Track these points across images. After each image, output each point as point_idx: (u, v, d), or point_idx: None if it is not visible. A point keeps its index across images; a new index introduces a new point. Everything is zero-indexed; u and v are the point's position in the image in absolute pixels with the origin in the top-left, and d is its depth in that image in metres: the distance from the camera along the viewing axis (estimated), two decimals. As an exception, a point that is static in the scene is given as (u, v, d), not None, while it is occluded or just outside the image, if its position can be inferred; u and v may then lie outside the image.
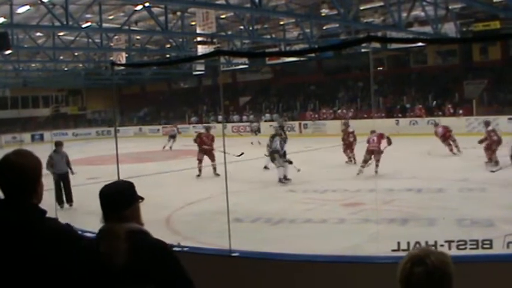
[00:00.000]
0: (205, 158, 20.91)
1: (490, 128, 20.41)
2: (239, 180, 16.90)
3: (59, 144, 16.19)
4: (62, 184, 15.55)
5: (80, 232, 3.52)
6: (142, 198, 3.20)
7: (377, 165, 19.06)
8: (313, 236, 10.91)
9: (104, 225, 3.04)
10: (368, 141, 19.79)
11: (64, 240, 2.89)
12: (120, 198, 3.06)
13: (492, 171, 16.84)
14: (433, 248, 2.51)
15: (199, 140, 21.41)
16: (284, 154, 19.52)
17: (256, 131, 34.10)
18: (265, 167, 21.41)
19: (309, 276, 5.40)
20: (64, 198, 15.54)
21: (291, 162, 19.26)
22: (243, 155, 20.87)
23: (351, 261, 5.75)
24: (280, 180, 18.60)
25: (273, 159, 19.58)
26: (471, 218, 11.65)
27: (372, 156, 19.30)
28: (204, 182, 18.53)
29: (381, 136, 19.83)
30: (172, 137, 36.33)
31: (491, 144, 19.61)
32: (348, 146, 22.52)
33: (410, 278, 2.37)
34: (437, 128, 24.64)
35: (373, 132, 20.37)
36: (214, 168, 20.35)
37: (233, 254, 5.57)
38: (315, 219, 12.43)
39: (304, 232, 11.35)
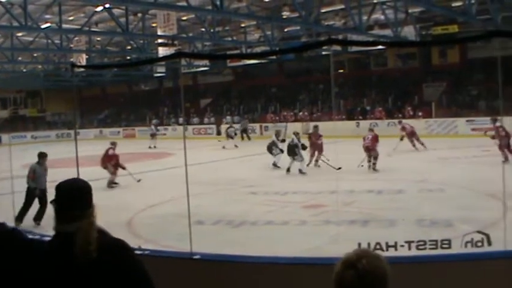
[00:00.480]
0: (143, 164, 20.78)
1: (497, 123, 20.65)
2: (201, 183, 16.87)
3: (43, 156, 14.28)
4: (38, 201, 13.58)
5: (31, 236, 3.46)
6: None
7: (374, 163, 19.99)
8: (275, 238, 10.92)
9: (56, 227, 2.90)
10: (364, 139, 20.72)
11: (8, 244, 2.84)
12: (83, 197, 2.96)
13: None
14: (371, 250, 2.54)
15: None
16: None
17: (234, 135, 34.01)
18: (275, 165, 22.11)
19: (271, 278, 5.41)
20: (34, 216, 13.40)
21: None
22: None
23: (312, 263, 5.78)
24: (300, 172, 20.18)
25: (293, 154, 20.67)
26: (430, 218, 11.80)
27: (369, 153, 20.23)
28: (167, 184, 18.44)
29: (375, 138, 20.66)
30: (153, 135, 37.99)
31: (500, 140, 19.77)
32: (317, 148, 22.36)
33: (342, 281, 2.40)
34: (404, 124, 25.38)
35: (370, 130, 21.44)
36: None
37: (194, 257, 5.55)
38: (276, 221, 12.45)
39: (266, 234, 11.36)
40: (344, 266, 2.42)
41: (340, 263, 2.45)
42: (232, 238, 10.96)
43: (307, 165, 21.21)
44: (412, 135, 26.05)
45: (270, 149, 22.72)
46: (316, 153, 22.25)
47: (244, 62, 44.02)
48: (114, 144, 20.24)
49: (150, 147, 36.49)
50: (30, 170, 13.89)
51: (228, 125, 39.14)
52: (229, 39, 37.50)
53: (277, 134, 23.98)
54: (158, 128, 41.48)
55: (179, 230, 8.37)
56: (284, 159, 21.55)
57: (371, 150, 20.23)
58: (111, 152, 19.78)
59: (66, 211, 2.88)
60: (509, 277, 5.25)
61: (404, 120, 29.87)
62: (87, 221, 2.86)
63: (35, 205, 13.42)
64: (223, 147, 33.05)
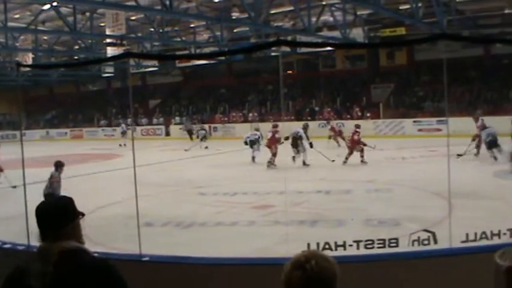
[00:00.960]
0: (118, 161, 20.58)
1: (478, 123, 21.16)
2: (150, 184, 16.74)
3: (62, 165, 13.66)
4: None
5: None
6: (82, 214, 3.04)
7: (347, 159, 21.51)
8: (224, 238, 10.90)
9: (40, 245, 2.86)
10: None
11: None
12: (57, 215, 2.88)
13: None
14: (321, 251, 2.56)
15: None
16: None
17: (203, 138, 33.69)
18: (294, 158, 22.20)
19: (220, 279, 5.40)
20: None
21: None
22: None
23: (261, 263, 5.79)
24: (304, 163, 21.38)
25: (296, 145, 21.73)
26: (378, 218, 11.94)
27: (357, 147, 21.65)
28: (115, 185, 18.25)
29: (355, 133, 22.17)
30: (123, 133, 37.94)
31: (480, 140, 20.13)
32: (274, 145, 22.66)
33: (289, 281, 2.42)
34: (333, 125, 26.59)
35: (357, 126, 22.91)
36: None
37: (143, 259, 5.51)
38: (225, 222, 12.42)
39: (215, 235, 11.33)
40: (292, 267, 2.43)
41: (289, 264, 2.46)
42: (181, 239, 10.89)
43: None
44: (339, 135, 27.06)
45: (295, 144, 22.15)
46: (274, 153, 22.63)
47: (193, 62, 43.87)
48: None
49: (120, 145, 35.75)
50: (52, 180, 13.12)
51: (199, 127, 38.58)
52: (179, 39, 37.33)
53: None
54: (128, 126, 40.77)
55: (128, 232, 8.28)
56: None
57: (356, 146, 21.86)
58: None
59: (45, 231, 2.87)
60: (455, 274, 5.34)
61: (352, 122, 30.22)
62: (46, 248, 2.81)
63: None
64: (206, 148, 32.80)
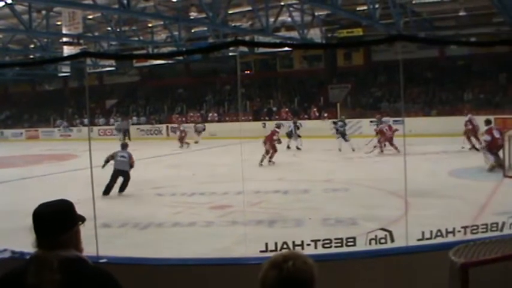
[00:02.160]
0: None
1: (466, 118, 21.52)
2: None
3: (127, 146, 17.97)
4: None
5: None
6: (83, 220, 2.90)
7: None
8: (182, 239, 10.85)
9: (35, 252, 2.72)
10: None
11: None
12: (55, 221, 2.72)
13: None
14: (301, 253, 2.57)
15: None
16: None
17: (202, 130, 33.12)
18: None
19: (179, 280, 5.38)
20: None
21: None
22: None
23: (219, 264, 5.79)
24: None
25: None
26: (336, 217, 12.03)
27: None
28: (71, 186, 18.02)
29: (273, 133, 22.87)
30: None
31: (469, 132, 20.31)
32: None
33: (265, 280, 2.42)
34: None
35: (277, 125, 23.92)
36: None
37: (101, 261, 5.45)
38: (183, 222, 12.37)
39: (173, 236, 11.26)
40: (269, 266, 2.43)
41: (267, 262, 2.46)
42: (139, 240, 10.82)
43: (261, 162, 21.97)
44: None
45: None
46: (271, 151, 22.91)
47: (150, 62, 43.65)
48: None
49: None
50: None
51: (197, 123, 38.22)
52: (136, 39, 37.08)
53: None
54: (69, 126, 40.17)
55: (85, 233, 8.19)
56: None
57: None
58: None
59: (41, 237, 2.77)
60: (412, 271, 5.41)
61: (309, 122, 30.43)
62: (44, 257, 2.67)
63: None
64: (196, 142, 32.65)
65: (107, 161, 16.65)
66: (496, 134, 18.18)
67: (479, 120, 22.11)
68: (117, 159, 16.76)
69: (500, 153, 17.40)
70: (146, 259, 6.04)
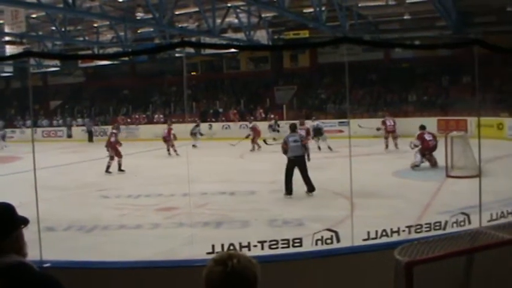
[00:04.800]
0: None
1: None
2: (51, 187, 16.30)
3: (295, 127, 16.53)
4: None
5: None
6: (25, 223, 2.76)
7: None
8: (128, 242, 10.75)
9: None
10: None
11: None
12: None
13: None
14: (246, 253, 2.58)
15: None
16: None
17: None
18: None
19: (125, 283, 5.33)
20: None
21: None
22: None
23: (166, 266, 5.76)
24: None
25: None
26: (282, 218, 12.10)
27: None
28: (14, 189, 17.67)
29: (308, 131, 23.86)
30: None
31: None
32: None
33: (210, 276, 2.44)
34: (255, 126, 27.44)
35: (115, 127, 24.32)
36: None
37: (45, 265, 5.36)
38: (129, 224, 12.26)
39: (119, 238, 11.15)
40: (214, 262, 2.46)
41: (212, 259, 2.48)
42: (84, 244, 10.67)
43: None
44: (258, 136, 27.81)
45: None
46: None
47: (96, 62, 43.06)
48: None
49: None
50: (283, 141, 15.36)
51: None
52: (81, 39, 36.50)
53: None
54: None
55: (28, 237, 8.04)
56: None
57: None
58: None
59: None
60: (358, 271, 5.46)
61: (256, 123, 30.53)
62: None
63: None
64: (194, 146, 32.20)
65: None
66: (427, 137, 19.12)
67: (423, 121, 22.57)
68: None
69: (438, 153, 17.94)
70: (91, 262, 5.97)
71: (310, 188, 14.69)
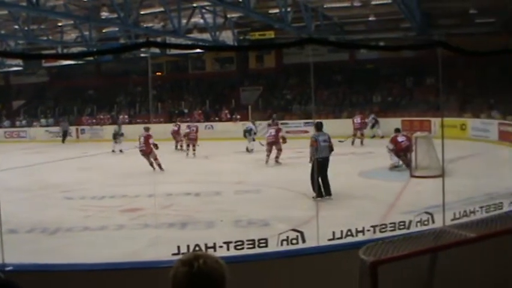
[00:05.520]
0: None
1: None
2: (13, 189, 16.07)
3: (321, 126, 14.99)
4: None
5: None
6: None
7: (279, 155, 22.58)
8: (93, 243, 10.66)
9: None
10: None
11: None
12: None
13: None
14: (213, 254, 2.57)
15: None
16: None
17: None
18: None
19: (90, 286, 5.27)
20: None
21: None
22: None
23: (131, 268, 5.71)
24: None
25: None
26: (247, 218, 12.11)
27: (273, 147, 22.46)
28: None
29: (279, 130, 23.45)
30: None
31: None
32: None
33: (176, 277, 2.43)
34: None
35: (271, 125, 24.89)
36: None
37: (7, 268, 5.27)
38: (93, 226, 12.15)
39: (83, 240, 11.05)
40: (180, 263, 2.45)
41: (178, 260, 2.48)
42: (47, 246, 10.53)
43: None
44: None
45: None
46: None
47: (60, 62, 42.58)
48: None
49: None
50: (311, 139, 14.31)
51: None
52: (45, 38, 36.06)
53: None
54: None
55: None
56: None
57: (275, 144, 22.72)
58: None
59: None
60: (323, 271, 5.48)
61: (220, 124, 30.50)
62: None
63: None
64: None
65: None
66: (400, 139, 19.35)
67: (387, 122, 22.81)
68: None
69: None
70: (55, 265, 5.90)
71: (329, 192, 13.82)
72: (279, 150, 22.56)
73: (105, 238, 11.21)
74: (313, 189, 13.30)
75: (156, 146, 20.72)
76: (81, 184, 18.26)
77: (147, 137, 20.95)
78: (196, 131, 25.73)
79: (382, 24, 34.48)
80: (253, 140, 26.49)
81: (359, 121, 27.14)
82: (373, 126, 30.86)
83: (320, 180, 13.64)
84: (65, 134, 40.12)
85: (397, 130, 20.46)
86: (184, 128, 27.72)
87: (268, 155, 22.40)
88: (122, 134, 29.85)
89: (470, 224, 4.15)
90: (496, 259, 3.91)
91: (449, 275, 3.75)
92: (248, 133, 26.64)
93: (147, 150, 20.64)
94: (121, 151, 27.86)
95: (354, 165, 20.11)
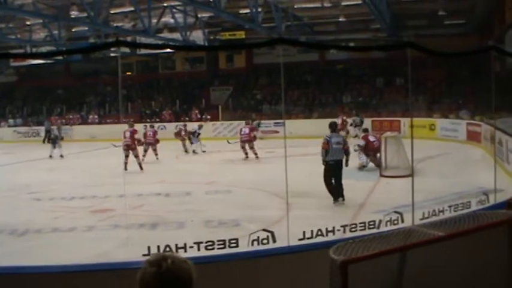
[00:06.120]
0: None
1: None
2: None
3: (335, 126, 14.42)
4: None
5: None
6: None
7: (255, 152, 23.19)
8: (62, 245, 10.57)
9: None
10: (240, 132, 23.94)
11: None
12: None
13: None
14: (182, 255, 2.59)
15: None
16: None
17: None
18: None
19: None
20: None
21: None
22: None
23: (101, 269, 5.67)
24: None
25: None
26: (218, 219, 12.10)
27: (246, 145, 23.25)
28: None
29: (252, 129, 24.16)
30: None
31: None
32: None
33: (144, 278, 2.44)
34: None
35: (247, 124, 24.83)
36: None
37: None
38: (62, 227, 12.03)
39: (53, 242, 10.94)
40: (148, 264, 2.46)
41: (146, 261, 2.49)
42: (16, 248, 10.43)
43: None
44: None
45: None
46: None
47: (29, 61, 42.09)
48: None
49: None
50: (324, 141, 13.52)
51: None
52: (13, 37, 35.64)
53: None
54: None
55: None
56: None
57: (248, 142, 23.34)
58: None
59: None
60: (294, 271, 5.50)
61: (191, 124, 30.32)
62: None
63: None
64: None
65: None
66: (371, 139, 19.46)
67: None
68: None
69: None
70: (24, 267, 5.84)
71: (343, 197, 13.33)
72: (252, 148, 23.18)
73: (75, 239, 11.12)
74: (331, 193, 13.21)
75: (140, 141, 20.70)
76: (50, 185, 18.08)
77: (133, 132, 20.98)
78: (154, 134, 24.29)
79: (352, 25, 34.71)
80: (199, 141, 26.44)
81: (340, 121, 27.38)
82: (356, 126, 30.88)
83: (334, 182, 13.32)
84: (48, 134, 39.37)
85: (365, 130, 20.77)
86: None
87: (246, 153, 23.21)
88: (62, 138, 29.31)
89: (439, 223, 4.18)
90: (465, 257, 3.96)
91: (419, 274, 3.79)
92: (193, 135, 26.32)
93: (132, 146, 20.60)
94: (61, 156, 27.07)
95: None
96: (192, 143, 26.37)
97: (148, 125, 27.82)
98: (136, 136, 21.00)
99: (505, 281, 4.15)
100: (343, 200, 13.22)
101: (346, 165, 14.13)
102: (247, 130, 23.45)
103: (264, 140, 30.07)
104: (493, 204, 9.01)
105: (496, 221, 4.15)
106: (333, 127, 14.11)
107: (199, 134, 26.68)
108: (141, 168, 20.48)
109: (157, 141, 23.80)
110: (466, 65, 32.48)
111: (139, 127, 28.52)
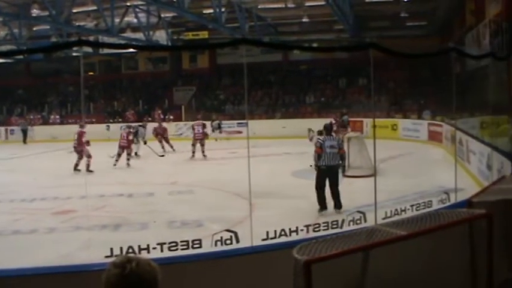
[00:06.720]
0: None
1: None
2: None
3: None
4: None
5: None
6: None
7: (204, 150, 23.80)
8: (23, 247, 10.41)
9: None
10: (193, 128, 24.51)
11: None
12: None
13: None
14: (146, 256, 2.57)
15: None
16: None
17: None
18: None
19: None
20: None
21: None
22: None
23: (63, 271, 5.60)
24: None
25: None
26: (181, 219, 12.07)
27: (198, 143, 23.86)
28: None
29: (204, 126, 24.71)
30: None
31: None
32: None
33: (108, 280, 2.42)
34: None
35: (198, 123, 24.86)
36: None
37: None
38: (23, 230, 11.86)
39: (13, 244, 10.78)
40: (113, 266, 2.44)
41: (111, 263, 2.47)
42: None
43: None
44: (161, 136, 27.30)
45: None
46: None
47: (-12, 61, 41.56)
48: None
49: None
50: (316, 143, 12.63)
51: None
52: (-28, 36, 35.16)
53: None
54: None
55: None
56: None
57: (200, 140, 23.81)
58: None
59: None
60: (257, 270, 5.50)
61: (153, 124, 30.09)
62: None
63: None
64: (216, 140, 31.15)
65: None
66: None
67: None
68: None
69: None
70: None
71: (339, 205, 12.39)
72: (203, 145, 23.80)
73: (36, 242, 10.97)
74: (318, 202, 12.43)
75: (88, 143, 20.44)
76: (10, 186, 17.79)
77: (81, 134, 20.66)
78: (127, 136, 23.66)
79: (315, 25, 34.89)
80: (145, 143, 25.59)
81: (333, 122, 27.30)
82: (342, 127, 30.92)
83: (330, 191, 12.53)
84: (25, 134, 38.59)
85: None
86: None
87: (194, 151, 23.75)
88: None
89: (402, 222, 4.22)
90: (427, 256, 4.01)
91: (381, 272, 3.82)
92: (135, 136, 25.66)
93: (79, 148, 20.39)
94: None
95: (287, 165, 20.23)
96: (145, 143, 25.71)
97: (125, 125, 27.63)
98: (83, 138, 20.63)
99: (466, 278, 4.21)
100: (340, 208, 12.33)
101: (343, 171, 13.85)
102: (200, 129, 23.78)
103: (228, 140, 30.09)
104: (453, 203, 9.14)
105: (457, 220, 4.21)
106: (328, 129, 13.21)
107: (144, 135, 26.45)
108: (89, 170, 20.09)
109: (131, 142, 23.29)
110: (428, 66, 32.94)
111: (101, 127, 28.34)
